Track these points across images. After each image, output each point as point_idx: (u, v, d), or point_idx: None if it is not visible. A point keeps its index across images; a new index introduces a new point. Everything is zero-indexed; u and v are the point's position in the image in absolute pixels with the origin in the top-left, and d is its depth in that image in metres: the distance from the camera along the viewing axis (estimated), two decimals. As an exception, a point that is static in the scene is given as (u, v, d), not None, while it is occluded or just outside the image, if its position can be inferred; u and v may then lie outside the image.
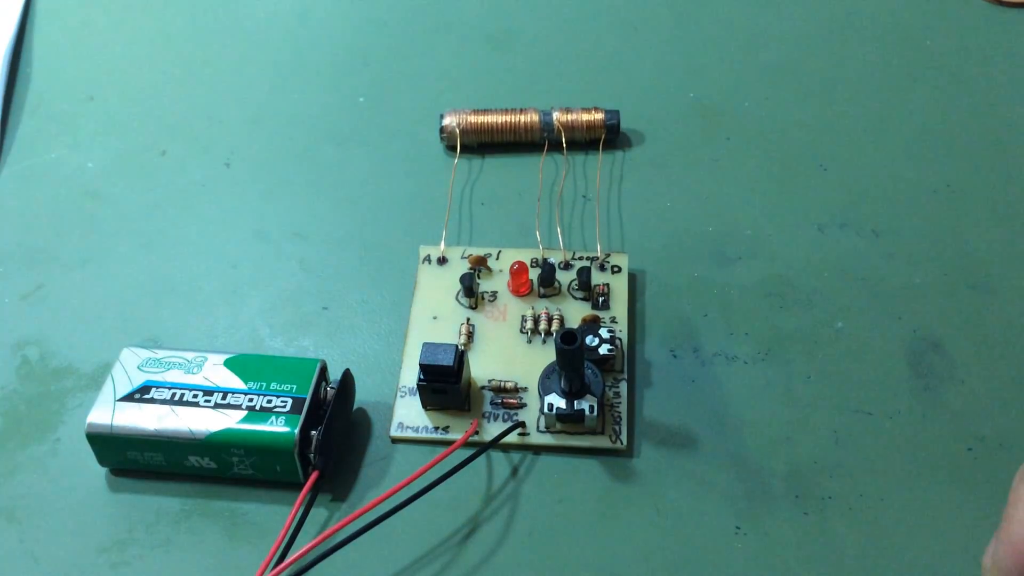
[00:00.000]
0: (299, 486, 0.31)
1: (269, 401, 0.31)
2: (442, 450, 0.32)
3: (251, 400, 0.31)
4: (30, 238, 0.40)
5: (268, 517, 0.32)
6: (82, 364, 0.36)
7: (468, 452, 0.32)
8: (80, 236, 0.40)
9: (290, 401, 0.31)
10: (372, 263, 0.39)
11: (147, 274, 0.39)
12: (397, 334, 0.36)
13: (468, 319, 0.36)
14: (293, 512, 0.30)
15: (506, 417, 0.34)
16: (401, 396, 0.34)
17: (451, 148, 0.43)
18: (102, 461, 0.32)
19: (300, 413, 0.31)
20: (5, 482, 0.33)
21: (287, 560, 0.29)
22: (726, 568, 0.31)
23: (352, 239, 0.40)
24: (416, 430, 0.34)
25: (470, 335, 0.36)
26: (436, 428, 0.34)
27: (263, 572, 0.29)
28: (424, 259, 0.38)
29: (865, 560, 0.31)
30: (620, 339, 0.35)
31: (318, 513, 0.32)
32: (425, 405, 0.34)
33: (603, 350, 0.34)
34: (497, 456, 0.33)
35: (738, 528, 0.31)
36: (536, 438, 0.33)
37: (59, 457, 0.33)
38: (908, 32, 0.47)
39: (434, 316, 0.36)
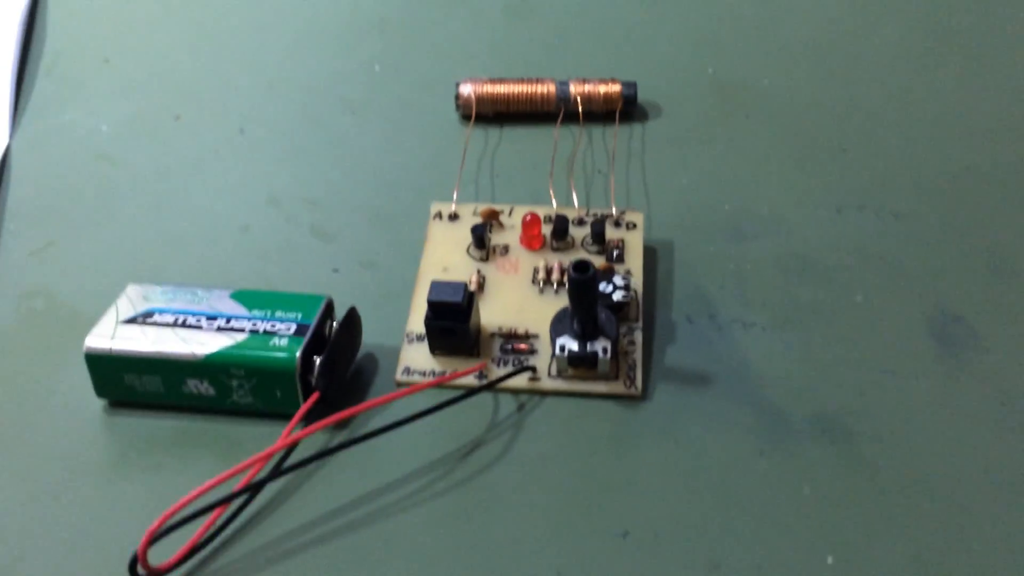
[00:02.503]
0: (299, 417, 0.30)
1: (273, 326, 0.30)
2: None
3: (254, 325, 0.30)
4: (42, 198, 0.40)
5: (264, 444, 0.30)
6: (88, 314, 0.35)
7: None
8: (92, 197, 0.40)
9: (294, 326, 0.30)
10: (385, 229, 0.38)
11: (158, 236, 0.38)
12: (406, 293, 0.35)
13: (479, 270, 0.35)
14: (290, 426, 0.29)
15: (516, 363, 0.33)
16: (409, 342, 0.33)
17: (466, 117, 0.42)
18: (99, 390, 0.31)
19: (303, 337, 0.30)
20: (-1, 414, 0.32)
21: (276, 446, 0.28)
22: (752, 484, 0.29)
23: (365, 206, 0.39)
24: (423, 374, 0.33)
25: (481, 286, 0.35)
26: (444, 372, 0.33)
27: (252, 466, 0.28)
28: (435, 215, 0.37)
29: (900, 479, 0.29)
30: (636, 290, 0.34)
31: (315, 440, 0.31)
32: (433, 349, 0.33)
33: (617, 296, 0.33)
34: (506, 399, 0.32)
35: (762, 452, 0.30)
36: (547, 383, 0.32)
37: (57, 395, 0.33)
38: (932, 12, 0.47)
39: (444, 268, 0.36)
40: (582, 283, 0.30)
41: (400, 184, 0.40)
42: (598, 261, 0.35)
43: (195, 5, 0.49)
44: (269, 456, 0.28)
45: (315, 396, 0.29)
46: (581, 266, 0.30)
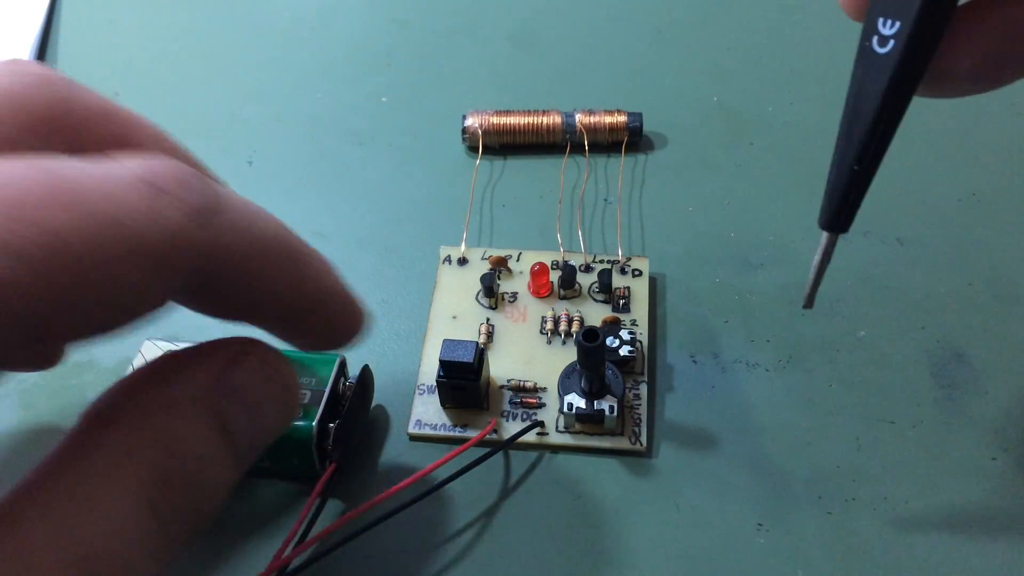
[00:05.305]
0: (316, 479, 0.30)
1: (288, 393, 0.31)
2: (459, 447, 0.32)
3: (270, 392, 0.31)
4: (52, 233, 0.40)
5: (284, 509, 0.31)
6: (103, 359, 0.36)
7: (486, 450, 0.32)
8: (102, 232, 0.40)
9: (308, 394, 0.31)
10: (393, 263, 0.39)
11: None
12: (417, 334, 0.36)
13: (488, 319, 0.36)
14: (309, 503, 0.29)
15: (525, 417, 0.33)
16: (420, 394, 0.34)
17: (473, 149, 0.43)
18: (119, 452, 0.32)
19: (319, 406, 0.31)
20: (19, 470, 0.33)
21: (303, 544, 0.29)
22: (748, 562, 0.30)
23: (373, 239, 0.40)
24: (434, 427, 0.33)
25: (490, 335, 0.36)
26: (454, 426, 0.33)
27: (280, 555, 0.28)
28: (444, 259, 0.38)
29: (892, 556, 0.30)
30: (641, 342, 0.35)
31: (334, 506, 0.31)
32: (444, 403, 0.34)
33: (624, 351, 0.34)
34: (515, 455, 0.33)
35: (760, 524, 0.31)
36: (555, 438, 0.33)
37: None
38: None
39: (454, 316, 0.36)
40: (591, 351, 0.30)
41: (408, 216, 0.40)
42: (605, 311, 0.36)
43: (203, 38, 0.49)
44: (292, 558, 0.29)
45: (332, 468, 0.30)
46: (590, 335, 0.30)
